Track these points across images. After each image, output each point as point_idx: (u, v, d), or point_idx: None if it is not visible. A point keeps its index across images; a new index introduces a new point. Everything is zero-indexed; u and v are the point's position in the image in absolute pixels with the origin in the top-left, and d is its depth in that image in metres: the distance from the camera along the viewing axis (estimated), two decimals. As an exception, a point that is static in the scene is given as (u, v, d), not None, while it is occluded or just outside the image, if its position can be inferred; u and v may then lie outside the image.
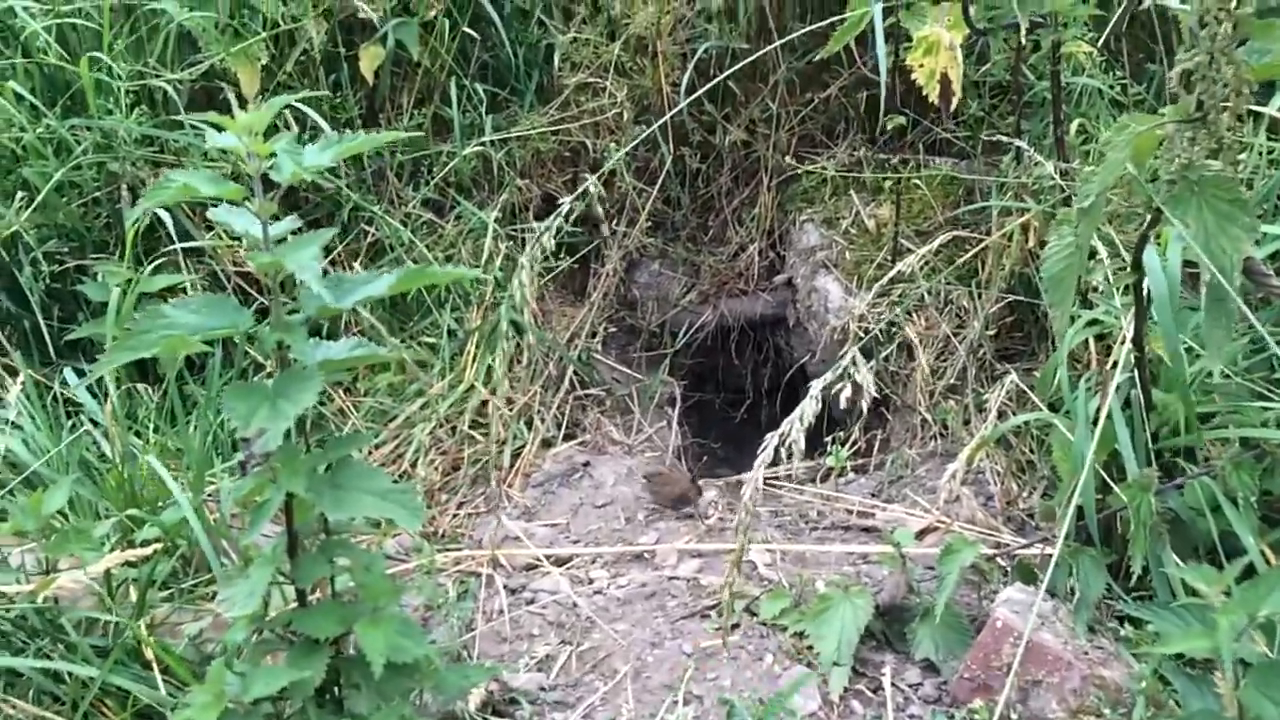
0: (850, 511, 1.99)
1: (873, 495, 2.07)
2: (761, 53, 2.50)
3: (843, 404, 1.53)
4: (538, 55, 2.76)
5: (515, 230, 2.64)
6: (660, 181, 2.73)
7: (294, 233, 1.08)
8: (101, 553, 1.57)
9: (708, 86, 2.42)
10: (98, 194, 2.27)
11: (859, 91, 2.72)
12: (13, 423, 1.92)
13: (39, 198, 2.18)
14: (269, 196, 1.07)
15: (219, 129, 1.07)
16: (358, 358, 1.15)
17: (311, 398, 1.03)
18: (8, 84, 2.22)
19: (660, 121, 2.55)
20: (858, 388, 1.51)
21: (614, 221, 2.80)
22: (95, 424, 1.91)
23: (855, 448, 2.32)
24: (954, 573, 1.55)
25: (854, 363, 1.53)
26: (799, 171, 2.74)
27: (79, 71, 2.19)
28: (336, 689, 1.20)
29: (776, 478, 2.30)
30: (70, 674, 1.49)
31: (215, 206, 1.07)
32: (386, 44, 2.57)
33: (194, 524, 1.58)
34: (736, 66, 2.35)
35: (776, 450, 1.46)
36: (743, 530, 1.39)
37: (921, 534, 1.87)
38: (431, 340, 2.47)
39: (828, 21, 2.70)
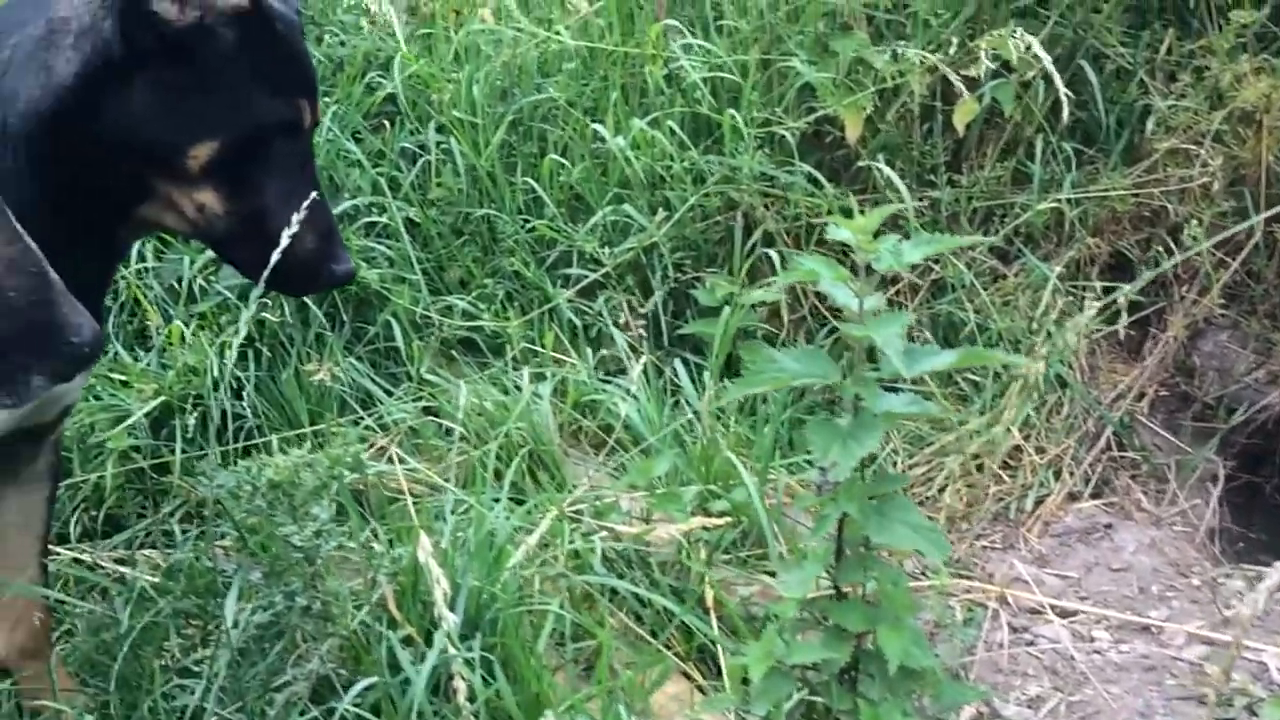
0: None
1: None
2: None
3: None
4: (1131, 116, 2.82)
5: (1076, 286, 2.74)
6: (1245, 253, 2.67)
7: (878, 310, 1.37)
8: (687, 514, 2.00)
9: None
10: (719, 217, 2.75)
11: None
12: (633, 395, 2.44)
13: (675, 216, 2.69)
14: (869, 280, 1.36)
15: (843, 219, 1.38)
16: (914, 414, 1.41)
17: (874, 443, 1.31)
18: (666, 122, 2.76)
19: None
20: None
21: (1184, 287, 2.78)
22: (694, 410, 2.37)
23: None
24: None
25: None
26: None
27: (721, 119, 2.67)
28: (854, 673, 1.48)
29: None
30: (652, 602, 1.94)
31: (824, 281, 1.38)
32: (982, 100, 2.78)
33: (758, 507, 1.96)
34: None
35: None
36: (1247, 621, 1.45)
37: None
38: (976, 378, 2.66)
39: None
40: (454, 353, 2.69)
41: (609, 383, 2.55)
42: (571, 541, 1.92)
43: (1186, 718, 1.65)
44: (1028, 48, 2.70)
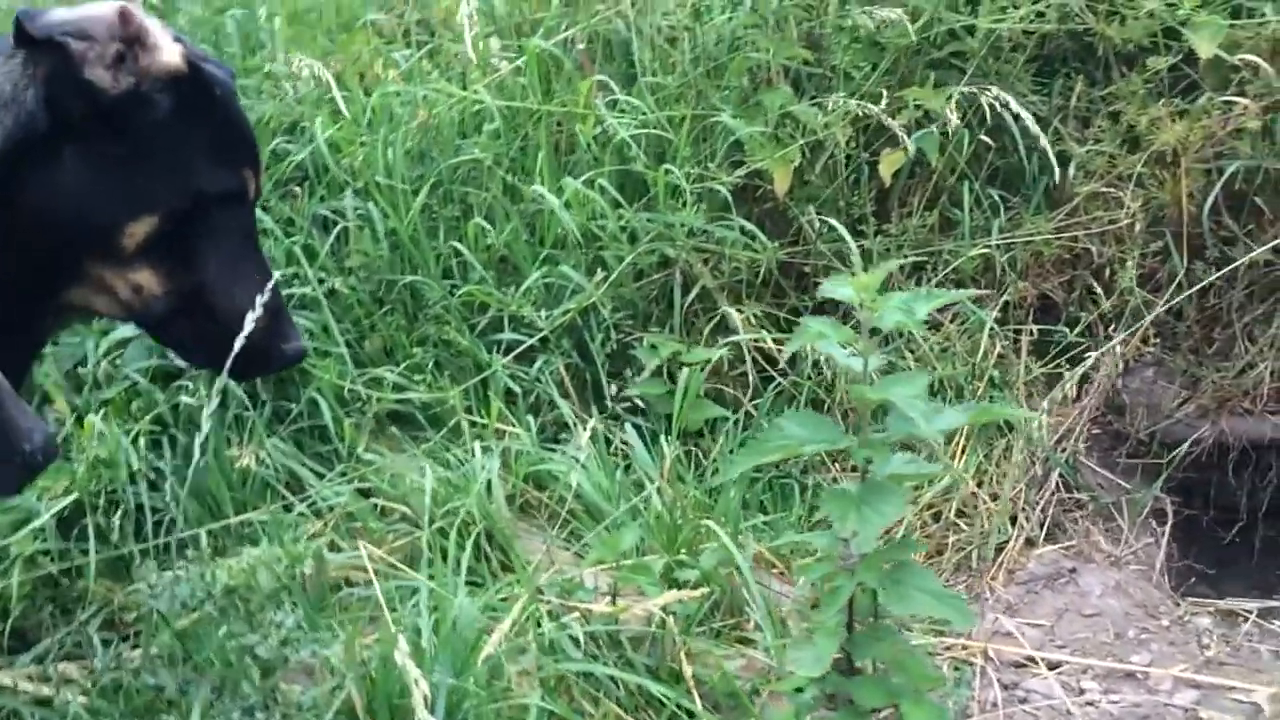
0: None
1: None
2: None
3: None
4: (1050, 162, 2.87)
5: (1009, 330, 2.76)
6: (1169, 293, 2.73)
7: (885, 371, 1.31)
8: (659, 587, 1.91)
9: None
10: (655, 276, 2.70)
11: None
12: (582, 464, 2.35)
13: (614, 274, 2.63)
14: (871, 338, 1.31)
15: (842, 278, 1.32)
16: (921, 475, 1.36)
17: (896, 509, 1.25)
18: (598, 180, 2.70)
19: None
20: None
21: (1110, 327, 2.82)
22: (647, 477, 2.29)
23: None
24: None
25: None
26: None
27: (655, 175, 2.62)
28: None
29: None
30: (630, 684, 1.84)
31: (826, 341, 1.33)
32: (907, 151, 2.80)
33: (745, 574, 1.88)
34: None
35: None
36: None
37: None
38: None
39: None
40: (387, 428, 2.56)
41: (553, 450, 2.46)
42: (540, 627, 1.81)
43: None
44: (949, 98, 2.74)
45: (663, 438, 2.32)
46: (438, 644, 1.74)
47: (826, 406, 2.64)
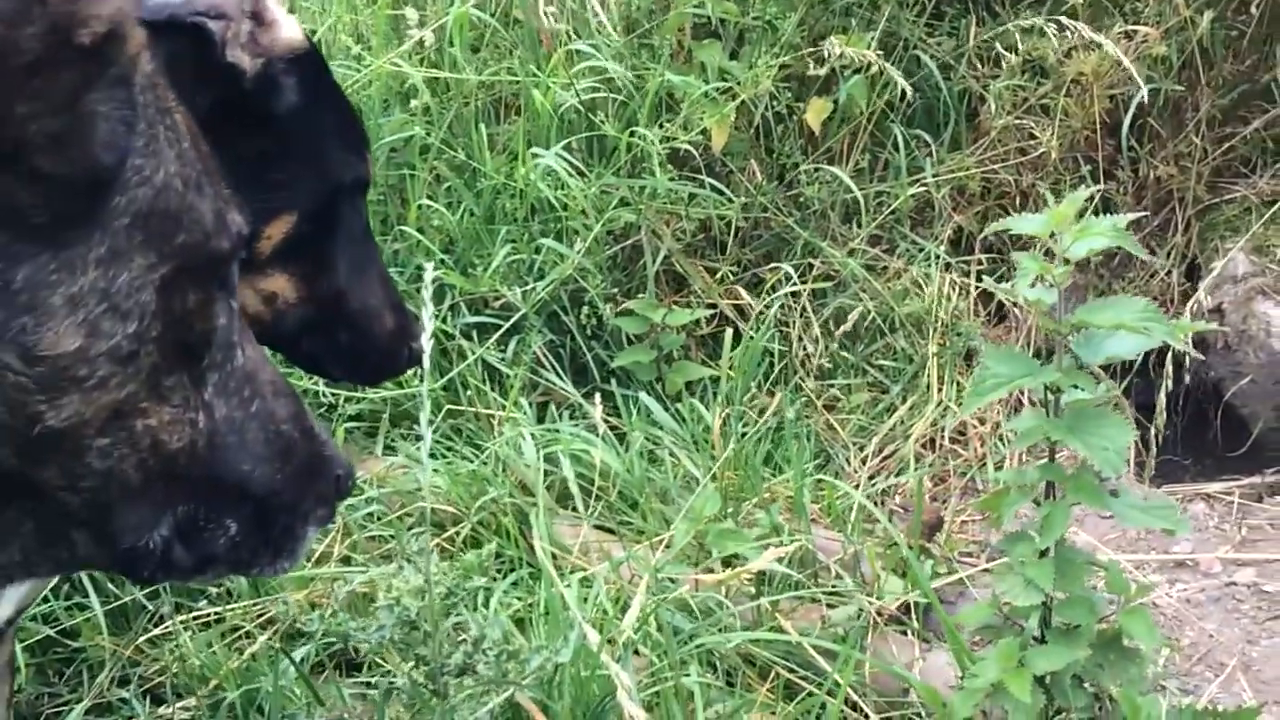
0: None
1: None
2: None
3: None
4: (967, 99, 3.01)
5: (955, 259, 2.90)
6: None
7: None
8: (757, 549, 1.91)
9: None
10: (625, 242, 2.65)
11: (1284, 124, 2.87)
12: (604, 439, 2.28)
13: (588, 240, 2.55)
14: (1061, 268, 1.34)
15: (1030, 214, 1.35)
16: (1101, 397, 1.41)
17: (1125, 433, 1.29)
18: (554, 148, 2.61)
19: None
20: None
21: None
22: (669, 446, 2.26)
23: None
24: None
25: None
26: (1219, 202, 2.90)
27: (622, 139, 2.56)
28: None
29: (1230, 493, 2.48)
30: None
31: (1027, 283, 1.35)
32: (837, 99, 2.86)
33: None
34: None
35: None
36: None
37: None
38: (888, 364, 2.75)
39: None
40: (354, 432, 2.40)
41: (556, 431, 2.38)
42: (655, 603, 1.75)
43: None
44: (869, 44, 2.82)
45: (694, 405, 2.29)
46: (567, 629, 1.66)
47: (784, 358, 2.70)
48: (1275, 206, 2.88)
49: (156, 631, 1.96)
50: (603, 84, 2.60)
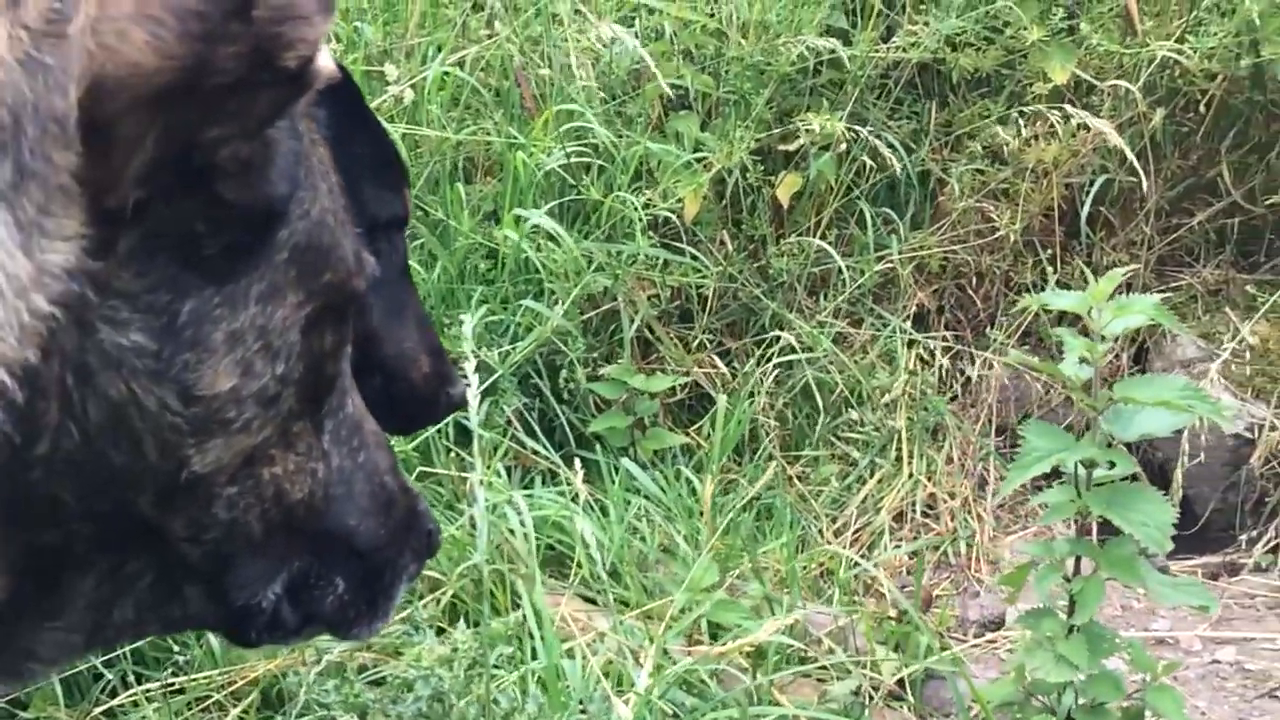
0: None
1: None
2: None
3: None
4: (929, 180, 3.09)
5: (922, 336, 2.95)
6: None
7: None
8: (756, 621, 1.87)
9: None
10: (603, 306, 2.63)
11: (1230, 217, 3.01)
12: (586, 509, 2.24)
13: (565, 302, 2.53)
14: (1104, 349, 1.37)
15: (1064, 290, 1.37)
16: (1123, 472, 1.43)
17: (1164, 509, 1.31)
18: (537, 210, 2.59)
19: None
20: None
21: (987, 329, 3.09)
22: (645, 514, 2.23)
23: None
24: None
25: None
26: (1166, 289, 3.01)
27: (607, 203, 2.56)
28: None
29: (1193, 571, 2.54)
30: None
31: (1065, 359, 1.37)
32: (807, 175, 2.92)
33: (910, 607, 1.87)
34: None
35: None
36: None
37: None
38: (856, 436, 2.77)
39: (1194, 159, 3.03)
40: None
41: (533, 497, 2.32)
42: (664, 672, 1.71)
43: (1272, 713, 1.82)
44: (840, 119, 2.89)
45: (682, 470, 2.27)
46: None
47: (762, 426, 2.71)
48: (1218, 295, 3.01)
49: (113, 702, 1.84)
50: (588, 149, 2.60)
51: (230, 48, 0.55)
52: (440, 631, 1.79)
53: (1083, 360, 1.36)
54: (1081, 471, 1.41)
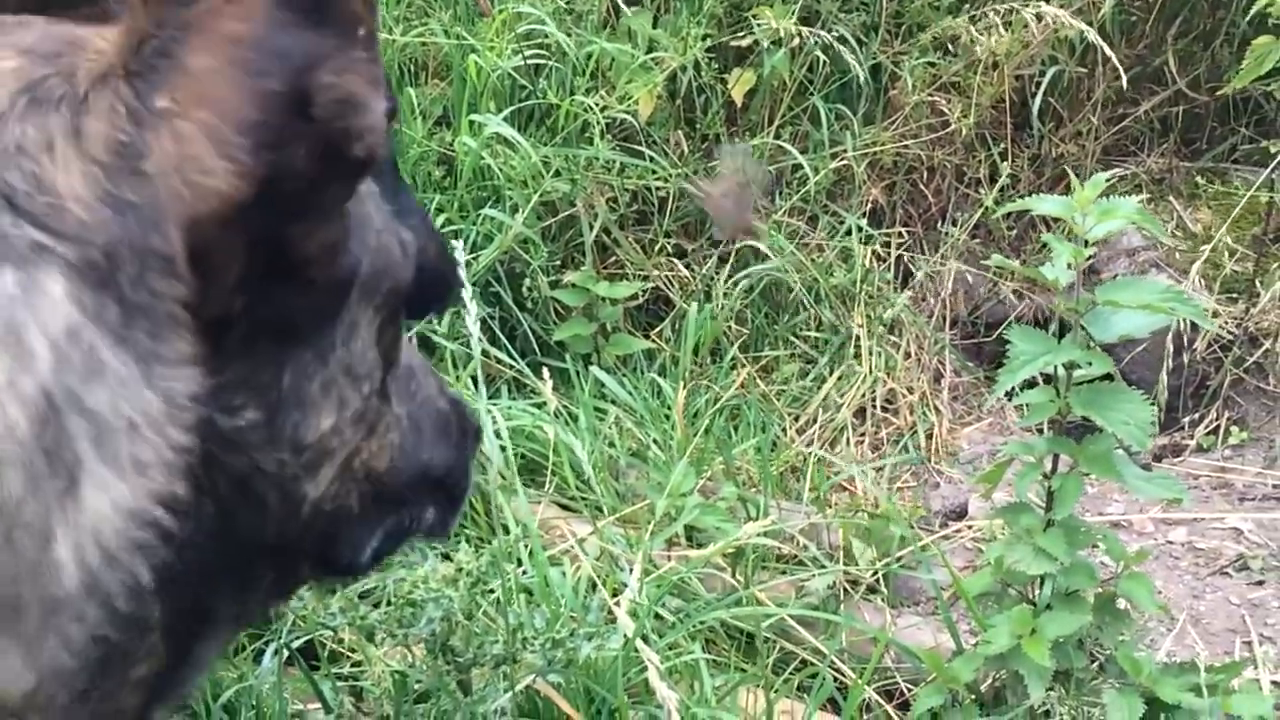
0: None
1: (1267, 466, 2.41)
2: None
3: None
4: (880, 74, 3.07)
5: (879, 233, 2.97)
6: (992, 192, 3.05)
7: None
8: (736, 523, 1.92)
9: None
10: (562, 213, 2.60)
11: (1175, 105, 3.05)
12: (560, 416, 2.25)
13: (525, 210, 2.50)
14: (1088, 253, 1.39)
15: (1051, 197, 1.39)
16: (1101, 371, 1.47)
17: (1146, 409, 1.36)
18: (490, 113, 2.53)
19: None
20: None
21: (940, 224, 3.12)
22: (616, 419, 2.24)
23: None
24: None
25: None
26: (1111, 178, 3.05)
27: (564, 106, 2.51)
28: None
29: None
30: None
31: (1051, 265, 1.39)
32: (760, 70, 2.88)
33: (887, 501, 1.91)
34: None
35: None
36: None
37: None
38: (814, 335, 2.80)
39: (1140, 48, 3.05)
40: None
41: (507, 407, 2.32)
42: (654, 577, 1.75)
43: (1231, 589, 1.92)
44: (791, 15, 2.85)
45: (651, 376, 2.28)
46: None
47: (726, 329, 2.73)
48: (1163, 183, 3.07)
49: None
50: (543, 50, 2.54)
51: (300, 149, 0.55)
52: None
53: (1069, 265, 1.39)
54: (1062, 373, 1.45)
